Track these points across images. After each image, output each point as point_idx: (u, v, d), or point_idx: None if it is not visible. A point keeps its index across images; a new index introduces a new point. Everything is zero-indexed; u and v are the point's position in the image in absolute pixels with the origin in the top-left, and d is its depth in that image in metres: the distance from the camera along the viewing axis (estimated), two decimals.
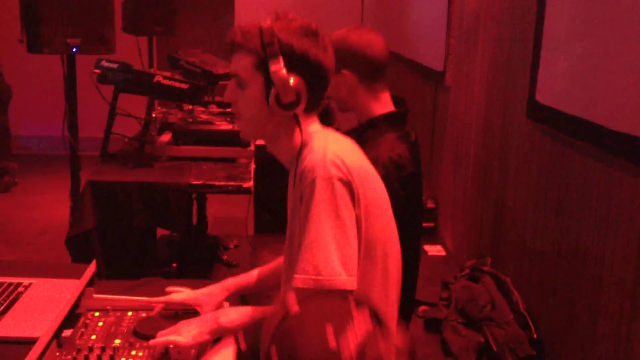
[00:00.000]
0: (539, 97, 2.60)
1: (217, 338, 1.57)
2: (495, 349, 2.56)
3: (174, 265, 3.38)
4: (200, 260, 3.56)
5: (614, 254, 2.09)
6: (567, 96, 2.38)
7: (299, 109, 1.52)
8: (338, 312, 0.96)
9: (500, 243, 3.12)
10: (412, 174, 1.92)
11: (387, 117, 2.01)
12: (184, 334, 1.51)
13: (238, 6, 6.28)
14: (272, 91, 1.49)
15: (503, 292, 2.79)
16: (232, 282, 1.78)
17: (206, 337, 1.52)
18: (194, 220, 3.67)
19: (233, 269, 3.63)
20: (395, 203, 1.63)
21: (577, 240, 2.33)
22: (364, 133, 1.98)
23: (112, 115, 2.87)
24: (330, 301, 1.00)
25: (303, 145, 1.54)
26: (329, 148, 1.48)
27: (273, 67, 1.48)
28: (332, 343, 0.92)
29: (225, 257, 3.77)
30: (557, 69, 2.46)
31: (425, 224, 4.14)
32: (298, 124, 1.54)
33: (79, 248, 2.57)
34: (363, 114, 2.04)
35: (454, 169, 3.88)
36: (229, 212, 4.33)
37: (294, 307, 0.97)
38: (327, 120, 1.67)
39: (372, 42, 2.03)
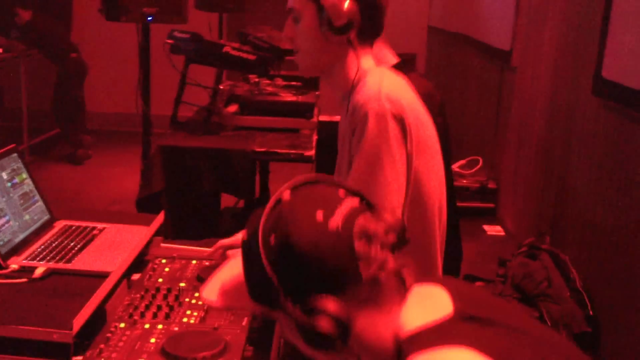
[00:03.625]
0: (605, 73, 2.57)
1: None
2: (549, 323, 2.56)
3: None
4: None
5: None
6: (634, 71, 2.35)
7: (353, 34, 1.55)
8: (327, 197, 1.01)
9: (560, 222, 3.10)
10: (442, 102, 2.01)
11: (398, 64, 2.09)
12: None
13: None
14: (324, 15, 1.53)
15: (561, 269, 2.78)
16: None
17: None
18: (257, 192, 3.76)
19: None
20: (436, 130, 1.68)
21: (638, 218, 2.31)
22: None
23: (182, 85, 2.98)
24: (321, 188, 1.03)
25: (358, 80, 1.58)
26: (384, 83, 1.52)
27: None
28: (319, 217, 0.96)
29: None
30: (625, 44, 2.43)
31: (485, 205, 4.14)
32: (353, 48, 1.57)
33: (148, 208, 2.69)
34: None
35: (517, 149, 3.85)
36: None
37: (285, 195, 1.00)
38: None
39: None
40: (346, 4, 1.52)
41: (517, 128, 3.88)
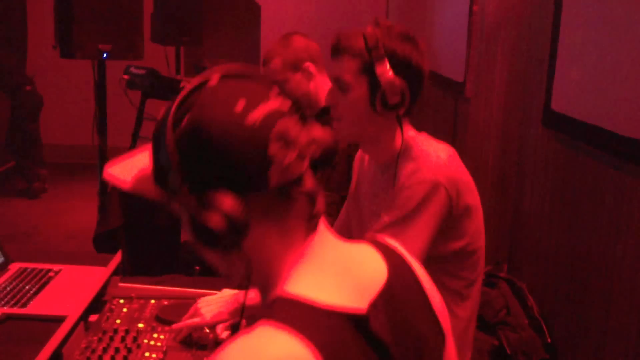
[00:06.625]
0: (554, 106, 2.65)
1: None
2: (508, 351, 2.59)
3: (197, 268, 3.46)
4: None
5: (624, 258, 2.13)
6: (580, 104, 2.43)
7: (401, 110, 1.61)
8: (256, 92, 0.90)
9: (517, 250, 3.16)
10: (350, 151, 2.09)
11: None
12: (204, 313, 1.59)
13: (264, 17, 6.40)
14: (379, 91, 1.57)
15: (519, 297, 2.82)
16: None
17: (225, 316, 1.59)
18: None
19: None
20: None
21: (589, 245, 2.37)
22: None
23: (139, 119, 2.98)
24: (254, 84, 0.92)
25: (405, 148, 1.65)
26: (441, 155, 1.63)
27: (380, 70, 1.56)
28: (239, 108, 0.86)
29: None
30: (570, 77, 2.52)
31: None
32: (400, 124, 1.64)
33: (106, 245, 2.66)
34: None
35: (473, 178, 3.92)
36: None
37: (213, 79, 0.91)
38: None
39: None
40: (399, 82, 1.57)
41: (473, 158, 3.96)
